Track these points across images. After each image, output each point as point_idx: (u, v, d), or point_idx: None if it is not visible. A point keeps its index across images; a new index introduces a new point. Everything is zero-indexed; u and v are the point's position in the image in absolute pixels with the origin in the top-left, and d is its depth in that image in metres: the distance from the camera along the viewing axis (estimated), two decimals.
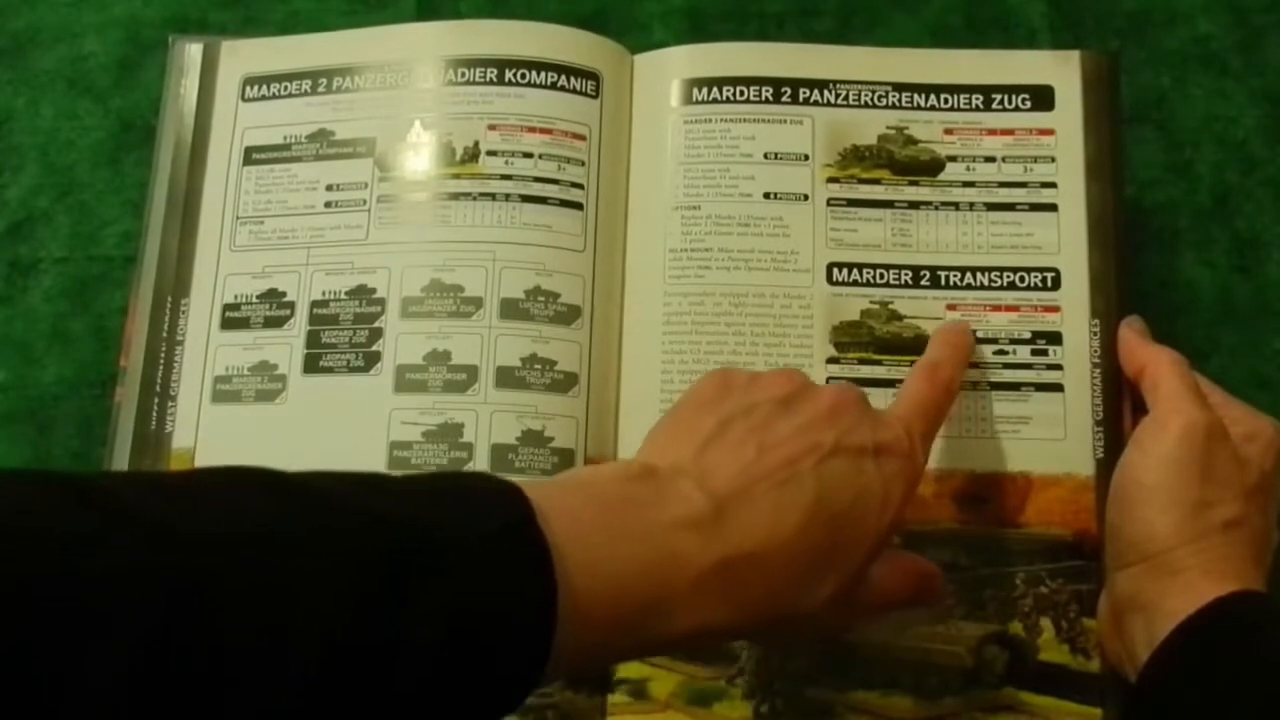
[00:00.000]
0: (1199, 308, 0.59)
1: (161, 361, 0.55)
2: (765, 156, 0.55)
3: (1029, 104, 0.56)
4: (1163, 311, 0.58)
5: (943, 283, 0.54)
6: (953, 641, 0.50)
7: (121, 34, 0.67)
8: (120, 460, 0.54)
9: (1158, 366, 0.49)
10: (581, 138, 0.57)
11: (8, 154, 0.64)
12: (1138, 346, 0.51)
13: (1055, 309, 0.53)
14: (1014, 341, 0.53)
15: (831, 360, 0.53)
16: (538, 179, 0.56)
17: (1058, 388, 0.52)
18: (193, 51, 0.60)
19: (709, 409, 0.42)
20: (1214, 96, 0.63)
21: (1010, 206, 0.55)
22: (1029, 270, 0.54)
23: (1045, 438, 0.52)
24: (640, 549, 0.37)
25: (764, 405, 0.42)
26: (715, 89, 0.56)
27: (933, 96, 0.56)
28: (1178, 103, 0.63)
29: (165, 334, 0.55)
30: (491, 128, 0.56)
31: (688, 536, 0.37)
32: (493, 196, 0.55)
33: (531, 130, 0.56)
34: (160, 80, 0.62)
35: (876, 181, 0.55)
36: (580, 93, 0.57)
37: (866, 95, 0.56)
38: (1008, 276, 0.54)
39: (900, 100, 0.56)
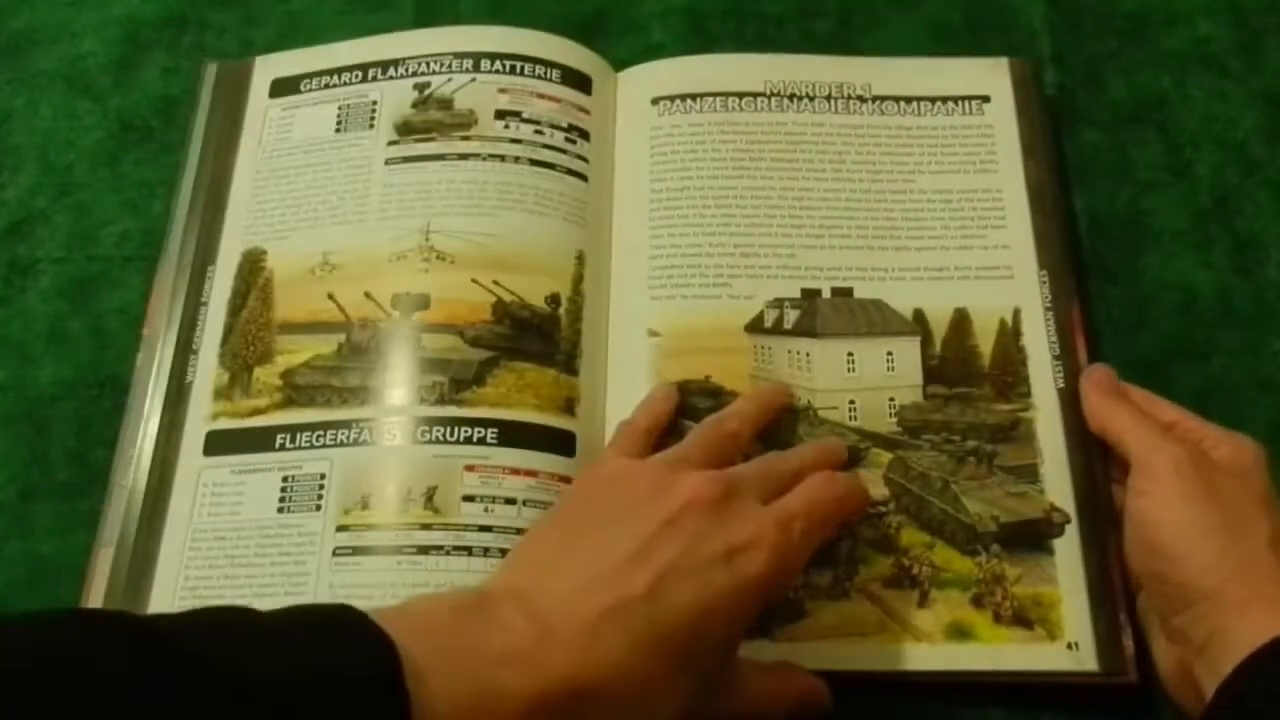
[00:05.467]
0: (1199, 308, 0.59)
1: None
2: None
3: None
4: (1163, 312, 0.58)
5: None
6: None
7: (120, 33, 0.67)
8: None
9: (1117, 420, 0.50)
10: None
11: (6, 154, 0.64)
12: (1097, 406, 0.52)
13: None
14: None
15: None
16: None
17: None
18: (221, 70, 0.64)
19: (563, 523, 0.43)
20: (1214, 97, 0.63)
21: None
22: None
23: None
24: (462, 685, 0.36)
25: (616, 514, 0.42)
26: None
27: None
28: (1178, 103, 0.63)
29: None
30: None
31: (507, 670, 0.37)
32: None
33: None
34: (160, 80, 0.62)
35: None
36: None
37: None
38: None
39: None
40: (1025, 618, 0.50)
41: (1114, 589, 0.50)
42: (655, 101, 0.62)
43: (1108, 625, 0.50)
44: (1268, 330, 0.58)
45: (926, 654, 0.50)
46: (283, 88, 0.63)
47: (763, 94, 0.61)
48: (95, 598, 0.52)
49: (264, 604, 0.49)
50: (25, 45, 0.66)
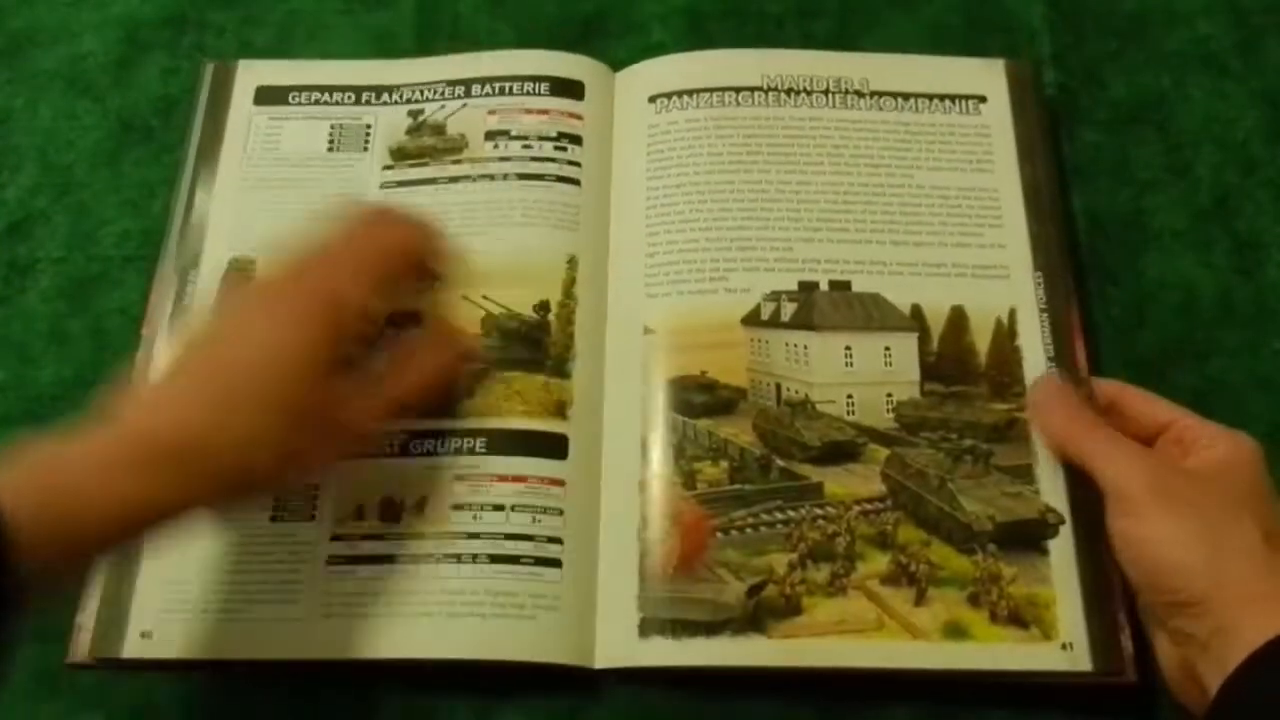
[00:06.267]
0: (1199, 308, 0.59)
1: None
2: None
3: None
4: (1163, 312, 0.58)
5: None
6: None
7: (120, 33, 0.67)
8: None
9: (1075, 444, 0.50)
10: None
11: (6, 154, 0.64)
12: (1050, 428, 0.52)
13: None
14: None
15: None
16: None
17: None
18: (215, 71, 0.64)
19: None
20: (1214, 97, 0.63)
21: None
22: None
23: None
24: (30, 475, 0.40)
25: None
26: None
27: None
28: (1178, 103, 0.63)
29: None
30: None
31: (85, 454, 0.41)
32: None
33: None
34: (160, 80, 0.62)
35: None
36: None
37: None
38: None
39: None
40: (1021, 617, 0.50)
41: (1109, 589, 0.50)
42: (652, 99, 0.61)
43: (1102, 625, 0.50)
44: (1268, 330, 0.58)
45: (923, 652, 0.50)
46: (269, 97, 0.63)
47: (760, 88, 0.61)
48: (90, 605, 0.52)
49: (255, 610, 0.51)
50: (25, 45, 0.66)
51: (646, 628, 0.51)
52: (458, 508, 0.52)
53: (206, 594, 0.52)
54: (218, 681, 0.53)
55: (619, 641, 0.51)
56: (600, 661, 0.51)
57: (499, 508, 0.52)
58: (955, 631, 0.50)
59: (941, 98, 0.61)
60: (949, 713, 0.51)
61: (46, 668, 0.52)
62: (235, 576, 0.52)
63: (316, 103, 0.63)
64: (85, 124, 0.65)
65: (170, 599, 0.52)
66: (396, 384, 0.50)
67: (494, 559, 0.52)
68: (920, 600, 0.50)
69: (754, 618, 0.50)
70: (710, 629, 0.50)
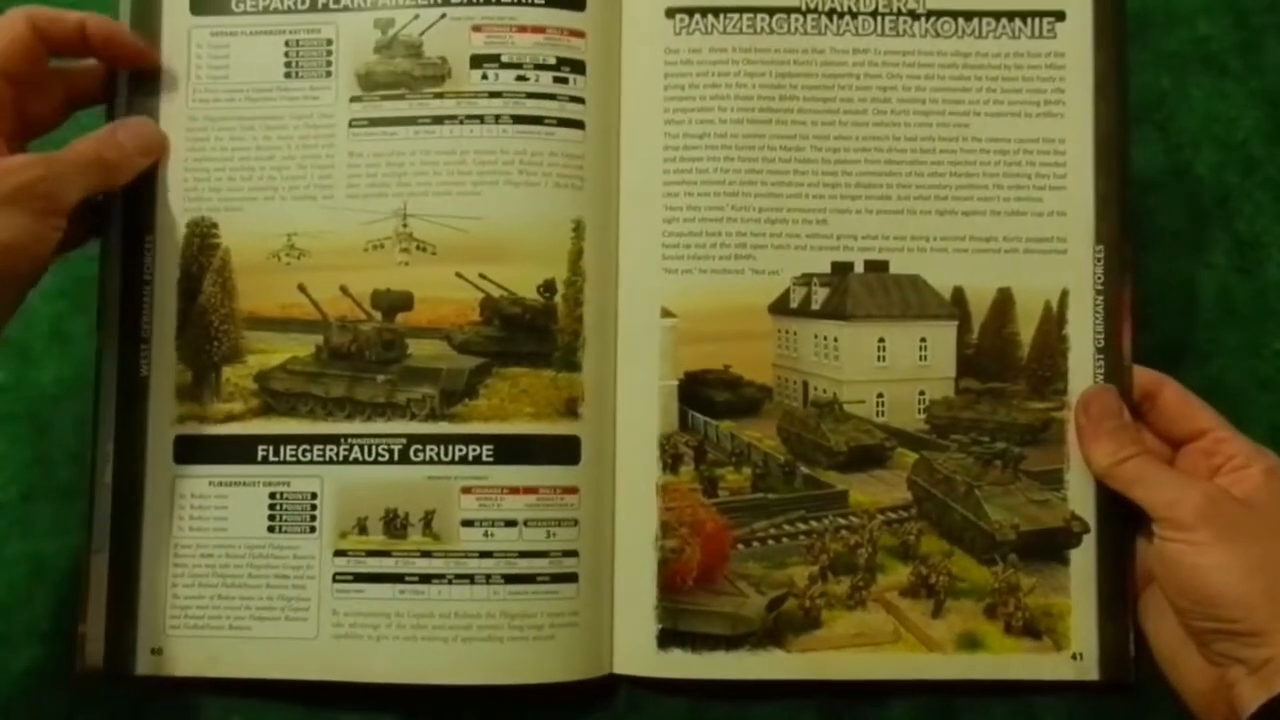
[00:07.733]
0: (1199, 308, 0.59)
1: None
2: None
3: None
4: (1163, 312, 0.58)
5: None
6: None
7: None
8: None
9: (1126, 469, 0.49)
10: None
11: None
12: (1098, 450, 0.50)
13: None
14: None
15: None
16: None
17: None
18: None
19: None
20: (1214, 97, 0.63)
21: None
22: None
23: None
24: None
25: None
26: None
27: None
28: (1178, 103, 0.63)
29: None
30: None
31: None
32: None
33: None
34: None
35: None
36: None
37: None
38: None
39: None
40: (1035, 628, 0.50)
41: (1124, 599, 0.50)
42: (671, 14, 0.55)
43: (1114, 634, 0.50)
44: (1268, 330, 0.58)
45: (937, 664, 0.50)
46: (208, 5, 0.55)
47: (798, 10, 0.55)
48: (96, 608, 0.51)
49: (264, 628, 0.51)
50: None
51: (665, 639, 0.51)
52: (468, 524, 0.51)
53: (210, 609, 0.51)
54: (222, 695, 0.53)
55: (637, 651, 0.51)
56: (619, 668, 0.51)
57: (511, 523, 0.51)
58: (970, 643, 0.50)
59: (1011, 16, 0.55)
60: (949, 707, 0.51)
61: (50, 668, 0.52)
62: (241, 591, 0.51)
63: (266, 10, 0.55)
64: (86, 124, 0.64)
65: (178, 613, 0.51)
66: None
67: (509, 579, 0.50)
68: (938, 612, 0.51)
69: (773, 631, 0.50)
70: (730, 643, 0.50)
